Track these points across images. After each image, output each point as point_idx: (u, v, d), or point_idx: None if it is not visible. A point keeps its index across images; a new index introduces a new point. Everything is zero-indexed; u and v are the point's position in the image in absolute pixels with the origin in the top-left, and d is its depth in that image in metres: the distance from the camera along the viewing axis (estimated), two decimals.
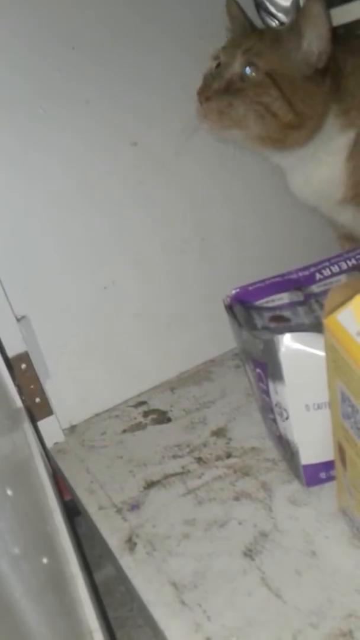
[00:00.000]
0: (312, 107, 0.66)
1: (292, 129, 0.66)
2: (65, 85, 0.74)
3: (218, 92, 0.65)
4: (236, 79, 0.65)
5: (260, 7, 0.80)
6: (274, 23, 0.80)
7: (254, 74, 0.64)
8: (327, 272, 0.68)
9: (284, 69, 0.65)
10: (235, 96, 0.65)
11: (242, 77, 0.65)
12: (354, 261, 0.68)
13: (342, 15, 0.67)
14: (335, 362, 0.45)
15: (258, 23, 0.82)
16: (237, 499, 0.62)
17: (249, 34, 0.69)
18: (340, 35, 0.69)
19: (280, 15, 0.79)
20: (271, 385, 0.58)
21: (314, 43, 0.64)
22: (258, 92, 0.65)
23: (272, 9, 0.79)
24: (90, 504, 0.67)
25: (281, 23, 0.79)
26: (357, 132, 0.68)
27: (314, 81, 0.65)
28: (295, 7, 0.77)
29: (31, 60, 0.72)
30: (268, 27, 0.76)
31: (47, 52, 0.72)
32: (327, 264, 0.69)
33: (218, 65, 0.68)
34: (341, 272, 0.68)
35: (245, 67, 0.65)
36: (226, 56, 0.67)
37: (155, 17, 0.78)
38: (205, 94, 0.66)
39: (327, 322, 0.44)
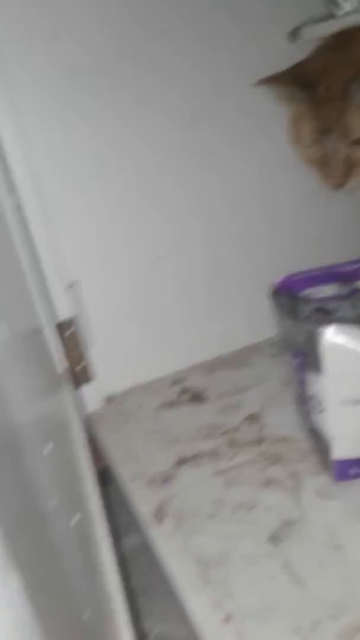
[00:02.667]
0: None
1: None
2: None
3: (345, 174, 0.68)
4: (352, 153, 0.67)
5: None
6: (339, 12, 0.77)
7: None
8: None
9: None
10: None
11: (356, 147, 0.66)
12: None
13: None
14: None
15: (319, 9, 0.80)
16: (266, 485, 0.63)
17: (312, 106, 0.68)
18: None
19: (345, 4, 0.76)
20: (310, 377, 0.59)
21: None
22: None
23: None
24: (123, 474, 0.69)
25: (346, 11, 0.76)
26: None
27: None
28: None
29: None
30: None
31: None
32: None
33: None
34: None
35: (353, 145, 0.66)
36: (323, 144, 0.68)
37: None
38: (337, 182, 0.68)
39: None
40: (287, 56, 0.74)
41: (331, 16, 0.78)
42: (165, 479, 0.67)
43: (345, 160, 0.67)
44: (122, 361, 0.84)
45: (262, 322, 0.77)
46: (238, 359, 0.88)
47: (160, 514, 0.63)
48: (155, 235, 0.82)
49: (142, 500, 0.65)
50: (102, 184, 0.78)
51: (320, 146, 0.69)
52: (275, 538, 0.56)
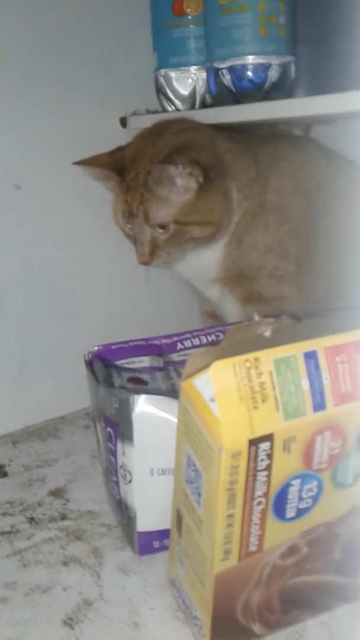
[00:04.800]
0: (218, 208, 0.72)
1: (218, 232, 0.73)
2: None
3: (150, 254, 0.72)
4: (156, 235, 0.72)
5: (160, 91, 0.86)
6: (170, 108, 0.85)
7: (166, 229, 0.71)
8: (188, 344, 0.71)
9: (180, 209, 0.71)
10: (166, 246, 0.72)
11: (160, 231, 0.72)
12: (213, 337, 0.72)
13: (235, 114, 0.74)
14: (186, 426, 0.46)
15: (156, 105, 0.87)
16: (65, 563, 0.59)
17: (124, 190, 0.73)
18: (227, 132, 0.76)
19: (177, 102, 0.85)
20: (119, 446, 0.58)
21: (182, 180, 0.69)
22: (179, 237, 0.72)
23: (171, 96, 0.85)
24: None
25: (177, 109, 0.85)
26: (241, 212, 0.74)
27: (206, 190, 0.70)
28: (192, 97, 0.84)
29: None
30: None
31: None
32: (189, 335, 0.71)
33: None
34: (201, 345, 0.71)
35: (157, 229, 0.71)
36: (132, 226, 0.73)
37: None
38: (144, 260, 0.73)
39: (184, 385, 0.45)
40: (119, 139, 0.78)
41: (163, 111, 0.86)
42: None
43: (151, 241, 0.72)
44: None
45: (75, 393, 0.76)
46: (48, 430, 0.84)
47: None
48: None
49: None
50: None
51: (132, 225, 0.73)
52: (71, 620, 0.52)
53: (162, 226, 0.71)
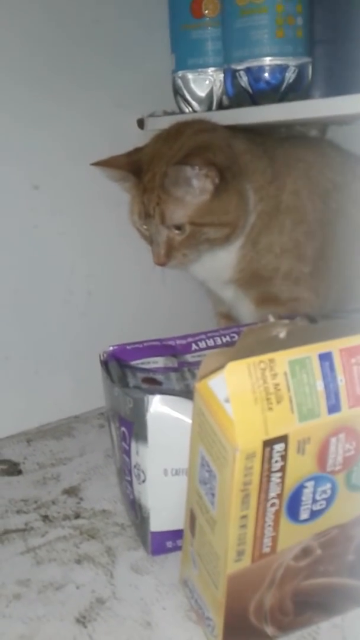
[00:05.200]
0: (234, 210, 0.72)
1: (234, 233, 0.73)
2: None
3: (166, 255, 0.73)
4: (172, 236, 0.72)
5: (177, 93, 0.86)
6: (187, 109, 0.86)
7: (182, 230, 0.71)
8: (202, 345, 0.71)
9: (196, 210, 0.71)
10: (182, 247, 0.73)
11: (176, 232, 0.72)
12: (228, 338, 0.72)
13: (252, 116, 0.74)
14: (201, 427, 0.46)
15: (173, 107, 0.88)
16: (78, 562, 0.59)
17: (140, 191, 0.74)
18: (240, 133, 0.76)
19: (194, 103, 0.85)
20: (133, 446, 0.58)
21: (198, 182, 0.70)
22: (195, 238, 0.72)
23: (189, 97, 0.85)
24: None
25: (194, 111, 0.85)
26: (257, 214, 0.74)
27: (222, 191, 0.71)
28: (209, 98, 0.84)
29: None
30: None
31: None
32: (203, 336, 0.72)
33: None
34: (215, 346, 0.71)
35: (173, 230, 0.72)
36: (148, 227, 0.74)
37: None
38: (159, 261, 0.73)
39: (198, 386, 0.45)
40: (136, 141, 0.79)
41: (180, 112, 0.86)
42: None
43: (167, 242, 0.72)
44: None
45: (89, 392, 0.76)
46: (62, 429, 0.85)
47: None
48: None
49: None
50: None
51: (148, 226, 0.74)
52: (84, 618, 0.52)
53: (178, 227, 0.71)
